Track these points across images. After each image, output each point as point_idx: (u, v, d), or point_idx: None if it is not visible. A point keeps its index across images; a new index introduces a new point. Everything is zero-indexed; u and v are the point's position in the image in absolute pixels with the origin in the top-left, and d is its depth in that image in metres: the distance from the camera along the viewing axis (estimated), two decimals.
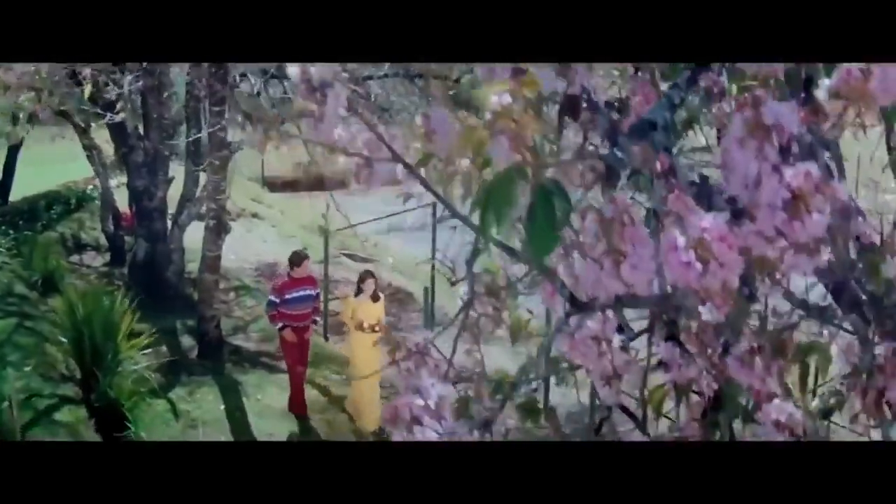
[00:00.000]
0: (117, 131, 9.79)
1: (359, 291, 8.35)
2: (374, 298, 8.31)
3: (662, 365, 1.40)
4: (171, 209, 10.28)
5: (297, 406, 8.09)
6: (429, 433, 1.17)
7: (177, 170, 10.47)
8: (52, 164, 14.43)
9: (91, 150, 11.02)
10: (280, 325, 8.12)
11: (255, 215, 15.02)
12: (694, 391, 1.70)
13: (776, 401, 1.29)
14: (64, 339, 7.80)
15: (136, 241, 10.33)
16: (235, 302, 10.78)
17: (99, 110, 8.58)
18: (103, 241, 11.92)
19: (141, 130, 9.89)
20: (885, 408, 1.48)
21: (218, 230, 8.85)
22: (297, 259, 8.30)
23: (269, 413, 8.02)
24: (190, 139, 9.22)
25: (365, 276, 8.47)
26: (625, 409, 1.57)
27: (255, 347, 9.57)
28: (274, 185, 19.61)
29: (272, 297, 8.22)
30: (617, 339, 1.48)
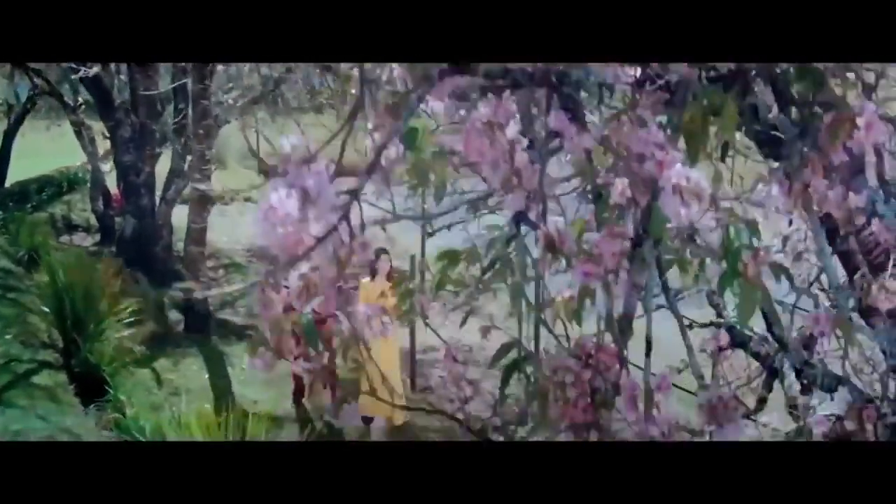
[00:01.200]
0: (104, 106, 9.72)
1: (373, 272, 7.42)
2: (391, 279, 7.20)
3: (556, 136, 1.29)
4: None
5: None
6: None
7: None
8: (46, 156, 14.40)
9: (80, 127, 10.97)
10: None
11: (248, 199, 14.93)
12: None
13: (677, 166, 1.18)
14: (46, 309, 7.72)
15: (125, 217, 10.25)
16: (225, 279, 10.70)
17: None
18: (93, 221, 11.87)
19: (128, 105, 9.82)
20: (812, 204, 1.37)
21: (203, 202, 8.76)
22: None
23: (253, 381, 7.91)
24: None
25: (378, 253, 7.36)
26: (529, 221, 1.45)
27: (243, 321, 9.48)
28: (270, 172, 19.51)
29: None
30: (514, 131, 1.37)
